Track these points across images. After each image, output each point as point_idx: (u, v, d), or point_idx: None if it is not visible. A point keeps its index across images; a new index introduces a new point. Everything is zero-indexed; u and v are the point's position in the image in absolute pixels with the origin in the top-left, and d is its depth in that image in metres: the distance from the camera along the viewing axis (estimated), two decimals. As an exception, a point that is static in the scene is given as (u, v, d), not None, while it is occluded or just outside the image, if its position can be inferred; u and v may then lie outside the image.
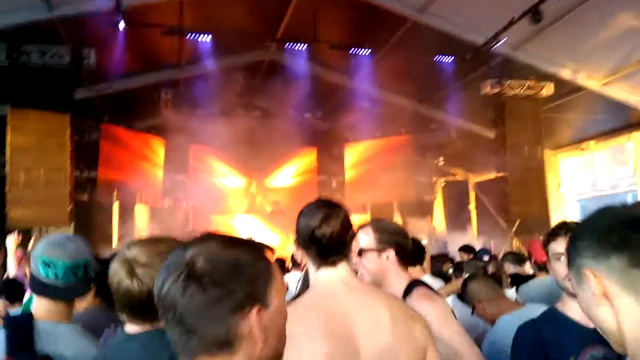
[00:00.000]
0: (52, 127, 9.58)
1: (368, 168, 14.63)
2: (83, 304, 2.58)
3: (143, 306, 1.40)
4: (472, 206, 16.36)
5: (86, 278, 1.87)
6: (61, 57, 9.45)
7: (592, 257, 1.00)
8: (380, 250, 2.07)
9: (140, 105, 12.66)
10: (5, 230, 9.35)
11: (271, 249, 1.07)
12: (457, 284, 4.03)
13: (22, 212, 9.30)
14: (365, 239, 2.10)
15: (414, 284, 2.08)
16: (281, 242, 12.46)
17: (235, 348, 0.94)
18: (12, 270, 4.88)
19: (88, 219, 12.39)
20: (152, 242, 1.52)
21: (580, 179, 13.09)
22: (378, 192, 14.10)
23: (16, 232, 4.65)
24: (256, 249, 1.02)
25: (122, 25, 9.11)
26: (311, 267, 1.62)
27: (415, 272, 3.40)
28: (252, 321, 0.94)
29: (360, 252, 2.09)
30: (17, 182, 9.23)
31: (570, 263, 1.06)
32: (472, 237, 13.90)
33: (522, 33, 9.64)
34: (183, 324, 0.93)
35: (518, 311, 2.70)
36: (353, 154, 15.26)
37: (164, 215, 13.22)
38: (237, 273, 0.94)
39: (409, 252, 2.22)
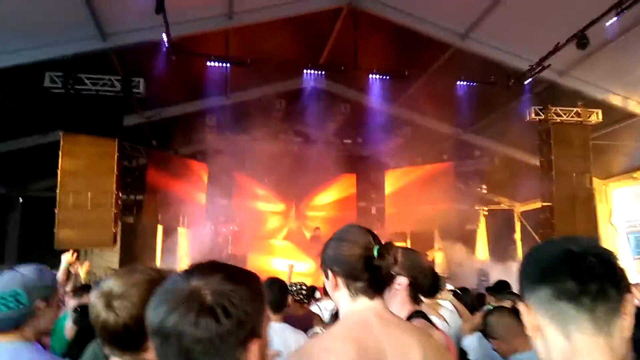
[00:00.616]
0: (101, 152, 9.97)
1: (408, 195, 14.45)
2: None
3: (120, 338, 1.40)
4: (517, 236, 15.86)
5: (19, 308, 1.93)
6: (112, 85, 9.91)
7: (525, 289, 1.03)
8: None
9: (185, 131, 13.04)
10: (52, 250, 9.77)
11: (261, 281, 1.07)
12: (479, 318, 3.86)
13: (69, 233, 9.64)
14: None
15: (414, 314, 2.18)
16: (315, 270, 12.38)
17: None
18: (69, 294, 4.98)
19: (133, 241, 12.76)
20: (127, 273, 1.52)
21: (633, 209, 12.49)
22: (418, 220, 13.88)
23: (72, 251, 4.70)
24: (255, 281, 1.03)
25: (170, 54, 9.48)
26: (343, 296, 1.59)
27: (431, 303, 3.42)
28: (253, 354, 0.95)
29: None
30: (66, 205, 9.60)
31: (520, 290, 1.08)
32: (515, 268, 13.39)
33: (568, 59, 9.43)
34: (190, 356, 0.91)
35: (530, 352, 2.57)
36: (393, 181, 15.13)
37: (205, 239, 13.41)
38: (246, 306, 0.95)
39: (422, 285, 2.33)
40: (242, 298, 0.95)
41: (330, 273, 1.60)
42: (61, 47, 8.79)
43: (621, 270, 0.98)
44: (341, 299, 1.59)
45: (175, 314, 0.92)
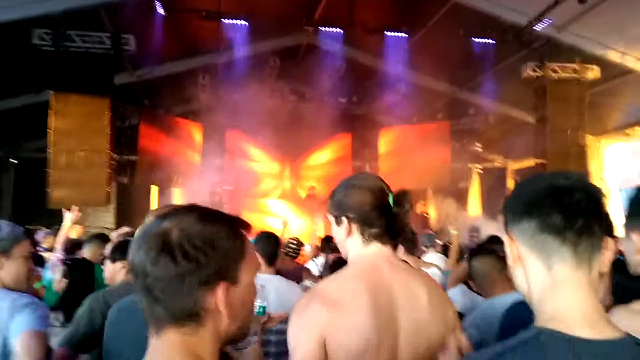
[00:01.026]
0: (92, 111, 9.85)
1: (403, 154, 14.45)
2: (118, 279, 2.66)
3: None
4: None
5: None
6: (102, 42, 9.68)
7: (510, 221, 1.05)
8: None
9: (178, 90, 12.85)
10: (47, 210, 9.77)
11: (248, 225, 1.07)
12: (462, 268, 3.88)
13: (62, 192, 9.63)
14: None
15: None
16: (309, 228, 12.51)
17: (201, 321, 0.95)
18: (58, 248, 4.98)
19: (128, 201, 12.78)
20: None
21: (626, 166, 12.59)
22: (412, 178, 13.89)
23: (76, 209, 4.58)
24: (232, 225, 1.01)
25: (161, 11, 9.24)
26: (355, 242, 1.59)
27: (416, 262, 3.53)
28: (219, 297, 0.95)
29: None
30: (58, 164, 9.56)
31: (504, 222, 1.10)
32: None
33: (567, 13, 9.27)
34: (152, 293, 0.93)
35: (509, 294, 2.62)
36: (388, 140, 15.10)
37: (200, 199, 13.42)
38: (209, 248, 0.94)
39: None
40: (207, 239, 0.95)
41: (344, 219, 1.59)
42: (49, 2, 8.53)
43: (605, 207, 1.00)
44: (353, 244, 1.60)
45: (140, 252, 0.94)
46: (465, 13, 10.01)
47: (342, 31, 10.74)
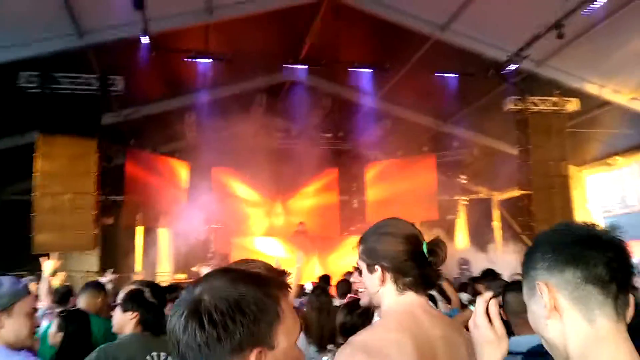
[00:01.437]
0: (79, 153, 9.72)
1: (390, 187, 14.56)
2: (127, 329, 2.60)
3: None
4: (495, 224, 16.16)
5: None
6: (90, 84, 9.67)
7: (546, 269, 1.02)
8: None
9: (165, 128, 12.84)
10: (30, 255, 9.50)
11: (286, 285, 1.04)
12: (469, 312, 3.89)
13: (47, 237, 9.38)
14: None
15: None
16: (301, 265, 12.36)
17: None
18: (42, 298, 4.82)
19: (112, 243, 12.50)
20: (244, 264, 1.57)
21: (608, 195, 12.86)
22: (400, 212, 13.79)
23: (55, 256, 4.53)
24: (265, 286, 0.97)
25: (148, 50, 9.30)
26: (389, 291, 1.56)
27: None
28: None
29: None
30: (43, 208, 9.34)
31: (524, 274, 1.08)
32: (496, 255, 13.70)
33: (546, 49, 9.64)
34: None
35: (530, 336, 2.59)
36: (374, 174, 15.23)
37: (187, 239, 13.23)
38: (237, 313, 0.90)
39: None
40: (235, 304, 0.91)
41: (378, 268, 1.57)
42: (36, 45, 8.55)
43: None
44: (386, 293, 1.57)
45: (174, 318, 0.93)
46: (447, 50, 10.31)
47: (327, 68, 10.92)
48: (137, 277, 10.69)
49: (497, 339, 1.19)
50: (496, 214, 16.34)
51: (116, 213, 12.83)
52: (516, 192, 12.62)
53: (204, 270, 4.96)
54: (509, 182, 13.50)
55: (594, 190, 13.15)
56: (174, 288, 5.13)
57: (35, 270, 10.31)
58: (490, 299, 1.21)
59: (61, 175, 9.58)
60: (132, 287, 2.71)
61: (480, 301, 1.23)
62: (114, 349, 2.48)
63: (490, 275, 6.36)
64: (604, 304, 0.96)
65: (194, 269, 12.07)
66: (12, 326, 2.04)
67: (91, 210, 9.78)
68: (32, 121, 9.70)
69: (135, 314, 2.56)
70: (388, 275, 1.56)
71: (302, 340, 2.74)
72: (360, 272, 2.06)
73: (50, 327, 4.03)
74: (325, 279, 6.18)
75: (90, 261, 12.28)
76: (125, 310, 2.59)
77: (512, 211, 14.14)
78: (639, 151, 11.51)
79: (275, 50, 10.87)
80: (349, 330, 2.81)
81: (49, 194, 9.47)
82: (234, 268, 1.03)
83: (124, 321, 2.60)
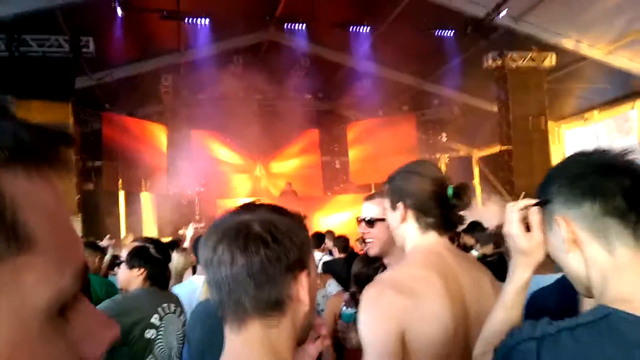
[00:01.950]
0: (55, 118, 9.48)
1: (371, 147, 14.61)
2: (134, 285, 2.63)
3: None
4: (476, 181, 16.38)
5: None
6: (60, 46, 9.40)
7: (563, 203, 1.02)
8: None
9: (141, 92, 12.61)
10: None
11: (306, 219, 1.08)
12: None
13: (28, 203, 9.29)
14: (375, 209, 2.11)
15: None
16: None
17: (285, 310, 0.95)
18: None
19: (94, 208, 12.45)
20: None
21: (585, 149, 13.02)
22: (382, 171, 13.97)
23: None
24: (300, 219, 1.03)
25: (119, 11, 9.04)
26: (411, 229, 1.58)
27: None
28: (302, 284, 0.96)
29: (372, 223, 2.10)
30: (22, 174, 9.19)
31: (543, 203, 1.08)
32: (477, 210, 13.93)
33: (523, 4, 9.56)
34: (238, 283, 0.92)
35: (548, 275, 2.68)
36: (355, 134, 15.23)
37: (170, 202, 13.24)
38: (292, 235, 0.96)
39: None
40: (288, 227, 0.96)
41: (400, 205, 1.57)
42: (3, 6, 8.23)
43: None
44: (408, 231, 1.58)
45: (225, 241, 0.93)
46: (426, 6, 10.16)
47: (304, 27, 10.72)
48: (126, 240, 10.75)
49: (533, 248, 1.14)
50: (476, 170, 16.54)
51: (96, 178, 12.76)
52: (496, 149, 12.75)
53: (191, 231, 5.01)
54: (488, 138, 13.61)
55: (572, 145, 13.33)
56: (176, 243, 5.19)
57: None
58: (533, 206, 1.13)
59: (37, 140, 9.40)
60: (136, 244, 2.71)
61: (514, 209, 1.15)
62: (125, 301, 2.53)
63: (476, 227, 6.56)
64: (624, 234, 0.96)
65: (181, 231, 12.13)
66: None
67: (72, 175, 9.67)
68: (5, 86, 9.46)
69: (142, 269, 2.58)
70: (410, 213, 1.57)
71: None
72: (366, 223, 2.11)
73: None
74: (318, 237, 6.26)
75: (75, 227, 12.29)
76: (132, 267, 2.61)
77: (492, 167, 14.31)
78: (614, 105, 11.63)
79: (250, 9, 10.63)
80: (363, 281, 2.89)
81: (26, 160, 9.31)
82: (264, 202, 1.04)
83: (131, 277, 2.62)
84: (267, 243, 0.92)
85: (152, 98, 13.27)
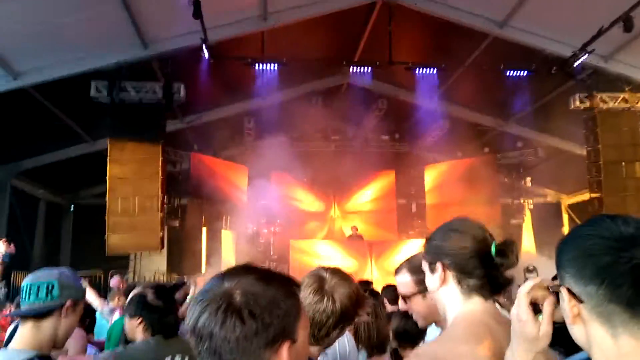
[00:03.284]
0: (146, 158, 10.21)
1: (449, 190, 14.23)
2: (138, 336, 2.46)
3: None
4: (565, 229, 15.37)
5: (49, 300, 1.93)
6: (154, 92, 10.19)
7: (572, 276, 0.96)
8: (422, 292, 1.89)
9: (226, 134, 13.28)
10: (104, 256, 10.12)
11: (299, 285, 1.08)
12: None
13: (119, 238, 9.92)
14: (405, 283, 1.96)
15: None
16: (358, 267, 12.36)
17: None
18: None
19: (179, 244, 13.07)
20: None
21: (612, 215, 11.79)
22: (461, 216, 13.58)
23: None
24: (289, 285, 1.03)
25: (208, 58, 9.68)
26: (452, 293, 1.46)
27: None
28: (283, 356, 0.96)
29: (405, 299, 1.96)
30: (115, 211, 9.87)
31: (557, 267, 1.02)
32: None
33: (613, 43, 9.10)
34: (220, 356, 0.94)
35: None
36: (433, 176, 14.94)
37: (249, 240, 13.60)
38: (274, 308, 0.96)
39: None
40: (271, 299, 0.96)
41: (439, 265, 1.47)
42: (105, 57, 9.13)
43: None
44: (449, 295, 1.47)
45: (205, 314, 0.95)
46: (507, 47, 9.98)
47: (382, 70, 10.87)
48: (202, 277, 11.13)
49: (538, 337, 1.08)
50: (565, 218, 15.56)
51: (182, 216, 13.45)
52: (586, 195, 11.95)
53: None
54: (578, 184, 12.82)
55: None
56: (180, 285, 5.24)
57: (110, 270, 11.03)
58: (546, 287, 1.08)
59: (130, 179, 10.06)
60: (136, 291, 2.55)
61: (523, 292, 1.10)
62: (121, 356, 2.35)
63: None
64: (629, 322, 0.90)
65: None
66: (70, 321, 1.99)
67: (158, 212, 10.20)
68: (103, 128, 10.36)
69: (140, 318, 2.41)
70: (450, 274, 1.45)
71: (352, 344, 2.71)
72: (402, 299, 1.97)
73: (122, 321, 4.23)
74: (365, 284, 6.11)
75: (160, 262, 12.95)
76: (131, 316, 2.46)
77: (583, 216, 13.39)
78: None
79: (330, 53, 10.98)
80: (402, 335, 2.77)
81: (119, 197, 9.99)
82: (255, 266, 1.06)
83: (132, 327, 2.47)
84: (244, 320, 0.93)
85: (235, 139, 13.93)
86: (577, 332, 0.98)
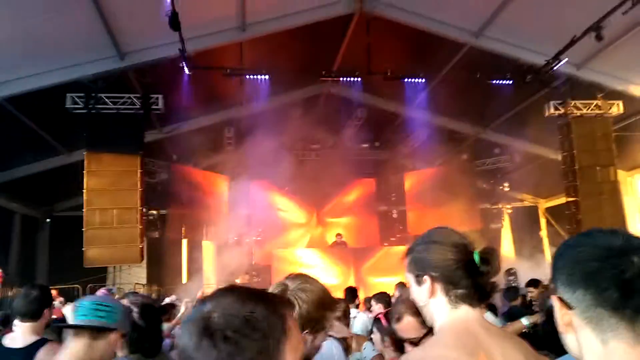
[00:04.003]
0: (124, 170, 10.09)
1: (430, 196, 14.36)
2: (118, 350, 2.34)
3: None
4: (543, 233, 15.63)
5: (106, 323, 1.99)
6: (132, 103, 10.09)
7: (561, 284, 0.98)
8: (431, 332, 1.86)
9: (205, 144, 13.19)
10: (82, 269, 9.94)
11: (291, 304, 1.05)
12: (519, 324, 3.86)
13: (97, 251, 9.77)
14: None
15: None
16: (341, 274, 12.38)
17: None
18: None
19: (159, 255, 12.93)
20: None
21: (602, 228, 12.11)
22: (441, 222, 13.50)
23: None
24: (272, 304, 0.99)
25: (186, 69, 9.63)
26: (440, 304, 1.47)
27: None
28: None
29: None
30: (92, 223, 9.72)
31: (552, 277, 1.03)
32: (545, 266, 13.20)
33: (585, 51, 9.31)
34: None
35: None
36: (413, 183, 15.07)
37: (230, 251, 13.51)
38: (249, 330, 0.92)
39: None
40: (247, 320, 0.93)
41: (427, 278, 1.48)
42: (81, 68, 9.02)
43: None
44: (437, 306, 1.48)
45: (185, 337, 0.94)
46: (482, 56, 10.14)
47: (360, 79, 10.95)
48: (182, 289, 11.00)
49: None
50: (543, 222, 15.81)
51: (161, 226, 13.30)
52: (563, 199, 12.18)
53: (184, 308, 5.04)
54: (554, 188, 13.06)
55: (647, 195, 12.51)
56: (168, 308, 5.18)
57: (87, 284, 10.82)
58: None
59: (108, 191, 9.94)
60: (124, 303, 2.48)
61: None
62: None
63: (535, 284, 6.26)
64: (617, 326, 0.91)
65: (237, 280, 12.29)
66: (110, 349, 2.03)
67: (137, 224, 10.08)
68: (79, 140, 10.21)
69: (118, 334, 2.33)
70: (438, 286, 1.46)
71: (339, 350, 2.68)
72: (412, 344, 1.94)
73: None
74: (351, 292, 6.13)
75: (139, 274, 12.77)
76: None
77: (560, 219, 13.63)
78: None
79: (309, 64, 11.01)
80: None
81: (97, 209, 9.85)
82: (240, 285, 1.04)
83: (115, 339, 2.35)
84: (216, 344, 0.90)
85: (215, 149, 13.85)
86: (569, 341, 0.99)
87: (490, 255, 1.46)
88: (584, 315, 0.94)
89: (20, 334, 2.80)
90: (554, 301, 0.99)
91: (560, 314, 0.98)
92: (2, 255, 12.43)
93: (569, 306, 0.96)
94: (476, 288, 1.45)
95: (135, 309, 2.38)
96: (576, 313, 0.95)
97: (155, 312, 2.54)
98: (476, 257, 1.45)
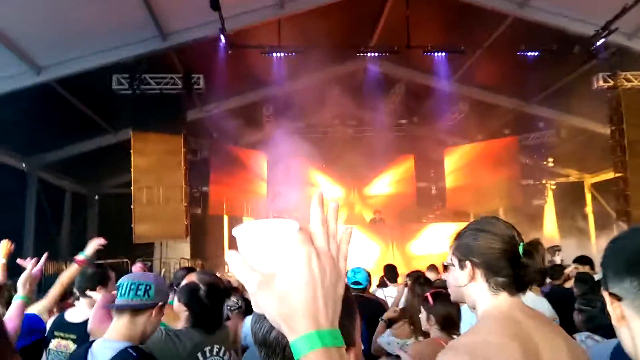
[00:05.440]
0: (169, 149, 10.35)
1: (470, 173, 14.16)
2: (182, 318, 2.54)
3: None
4: (588, 209, 15.20)
5: (145, 299, 2.16)
6: (175, 83, 10.29)
7: (611, 278, 0.98)
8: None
9: (245, 122, 13.35)
10: (130, 244, 10.34)
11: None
12: None
13: (145, 227, 10.13)
14: None
15: None
16: (381, 251, 12.43)
17: None
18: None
19: (202, 231, 13.29)
20: None
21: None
22: (481, 198, 13.55)
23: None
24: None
25: (226, 48, 9.73)
26: (480, 290, 1.53)
27: None
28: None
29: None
30: (140, 200, 10.07)
31: (602, 273, 1.03)
32: (591, 244, 12.90)
33: (638, 20, 8.86)
34: None
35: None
36: (453, 159, 14.85)
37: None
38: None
39: None
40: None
41: (468, 263, 1.54)
42: (124, 49, 9.22)
43: None
44: (477, 291, 1.54)
45: (276, 330, 0.92)
46: (527, 27, 9.80)
47: (399, 54, 10.78)
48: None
49: None
50: (589, 198, 15.36)
51: (204, 203, 13.64)
52: (610, 174, 11.79)
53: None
54: (601, 163, 12.64)
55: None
56: (232, 291, 5.30)
57: (136, 259, 11.28)
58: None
59: (154, 169, 10.22)
60: (193, 278, 2.61)
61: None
62: (159, 343, 2.39)
63: (584, 261, 6.02)
64: None
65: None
66: (155, 322, 2.19)
67: (182, 201, 10.37)
68: (125, 120, 10.51)
69: (187, 308, 2.49)
70: (478, 272, 1.53)
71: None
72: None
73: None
74: (391, 269, 6.17)
75: (184, 249, 13.18)
76: (179, 299, 2.54)
77: (607, 195, 13.21)
78: None
79: (347, 39, 10.91)
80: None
81: (144, 187, 10.18)
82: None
83: (179, 309, 2.55)
84: None
85: (255, 127, 14.00)
86: (623, 335, 0.98)
87: (534, 248, 1.50)
88: (633, 304, 0.94)
89: (79, 309, 3.04)
90: (605, 297, 0.99)
91: (612, 308, 0.98)
92: (55, 230, 13.07)
93: (618, 298, 0.96)
94: (516, 278, 1.49)
95: (203, 287, 2.52)
96: (626, 304, 0.95)
97: (220, 293, 2.66)
98: (520, 249, 1.50)
